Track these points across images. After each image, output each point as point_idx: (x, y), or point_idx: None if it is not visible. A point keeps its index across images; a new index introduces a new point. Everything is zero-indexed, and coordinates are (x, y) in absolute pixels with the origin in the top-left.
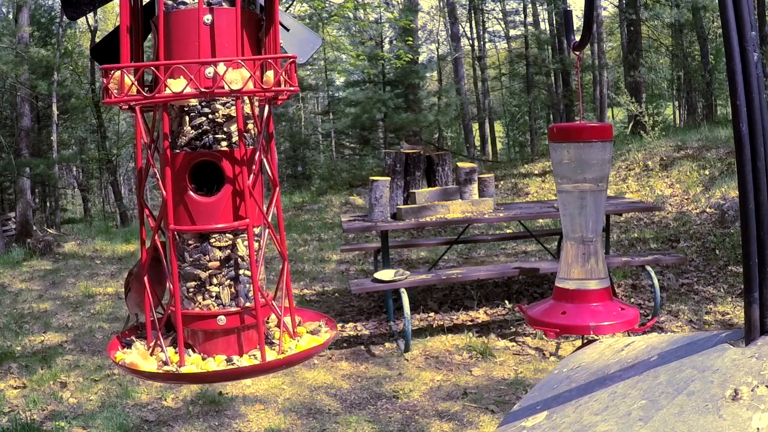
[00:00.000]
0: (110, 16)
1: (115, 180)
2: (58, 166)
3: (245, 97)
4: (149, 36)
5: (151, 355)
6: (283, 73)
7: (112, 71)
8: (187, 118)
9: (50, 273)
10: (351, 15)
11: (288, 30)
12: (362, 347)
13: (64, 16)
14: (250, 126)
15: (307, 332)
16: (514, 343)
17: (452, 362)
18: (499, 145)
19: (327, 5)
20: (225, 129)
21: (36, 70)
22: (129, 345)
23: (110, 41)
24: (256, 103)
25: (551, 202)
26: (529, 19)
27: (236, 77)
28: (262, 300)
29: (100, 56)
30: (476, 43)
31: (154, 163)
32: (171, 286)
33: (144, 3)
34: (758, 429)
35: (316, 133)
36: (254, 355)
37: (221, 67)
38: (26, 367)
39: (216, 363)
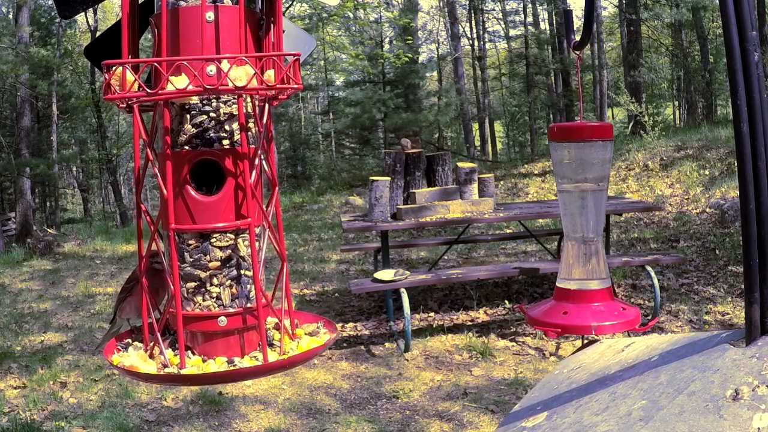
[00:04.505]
0: (110, 16)
1: (115, 180)
2: (58, 166)
3: (247, 95)
4: (145, 35)
5: (150, 357)
6: (288, 71)
7: (114, 67)
8: (187, 116)
9: (50, 273)
10: (351, 15)
11: (283, 31)
12: (362, 347)
13: None
14: (251, 125)
15: (306, 334)
16: (514, 343)
17: (452, 362)
18: (499, 145)
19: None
20: (226, 127)
21: (36, 70)
22: (126, 348)
23: (104, 41)
24: (257, 103)
25: (551, 202)
26: (529, 19)
27: (240, 74)
28: (264, 300)
29: (93, 55)
30: (476, 43)
31: (154, 162)
32: (171, 287)
33: (140, 1)
34: (759, 429)
35: (316, 133)
36: (255, 357)
37: (225, 64)
38: (26, 367)
39: (217, 365)
